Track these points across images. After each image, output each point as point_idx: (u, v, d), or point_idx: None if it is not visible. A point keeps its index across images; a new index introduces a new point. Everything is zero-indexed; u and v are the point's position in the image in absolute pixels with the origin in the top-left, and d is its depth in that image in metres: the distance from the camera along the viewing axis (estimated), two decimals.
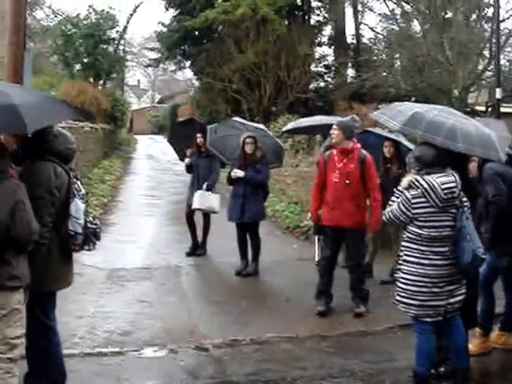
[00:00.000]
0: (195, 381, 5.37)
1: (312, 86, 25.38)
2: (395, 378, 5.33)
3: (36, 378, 4.72)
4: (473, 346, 5.63)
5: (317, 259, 8.22)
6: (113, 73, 37.10)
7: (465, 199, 4.85)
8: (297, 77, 22.67)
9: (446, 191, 4.70)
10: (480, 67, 16.80)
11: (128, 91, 56.26)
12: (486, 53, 16.61)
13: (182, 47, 28.00)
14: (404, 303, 4.88)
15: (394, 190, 7.59)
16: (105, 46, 34.35)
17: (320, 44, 26.15)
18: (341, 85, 20.72)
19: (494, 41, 14.63)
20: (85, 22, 31.77)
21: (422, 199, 4.74)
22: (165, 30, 28.69)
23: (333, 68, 25.63)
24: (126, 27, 35.63)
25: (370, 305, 7.23)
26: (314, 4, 26.44)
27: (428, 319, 4.84)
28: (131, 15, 34.75)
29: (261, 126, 10.09)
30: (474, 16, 16.95)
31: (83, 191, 4.72)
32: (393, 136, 8.42)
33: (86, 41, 32.29)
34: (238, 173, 8.60)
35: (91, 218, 4.67)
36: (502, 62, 16.46)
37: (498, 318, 6.13)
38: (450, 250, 4.76)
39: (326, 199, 7.13)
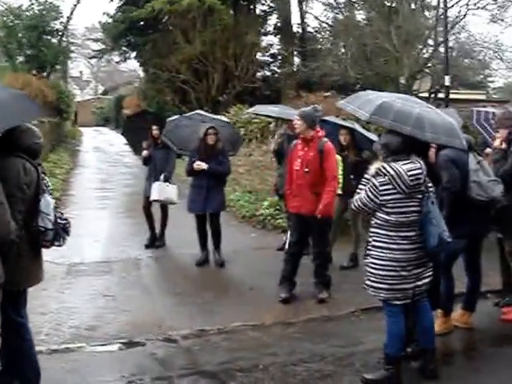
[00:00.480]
0: (168, 372, 5.40)
1: (259, 75, 25.45)
2: (364, 361, 5.48)
3: (10, 377, 4.68)
4: (436, 326, 5.83)
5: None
6: (57, 64, 36.40)
7: (430, 185, 5.01)
8: (244, 66, 22.71)
9: (411, 178, 4.84)
10: (426, 55, 17.17)
11: (71, 83, 55.24)
12: (431, 41, 16.99)
13: (128, 38, 27.68)
14: (373, 287, 5.02)
15: (351, 176, 7.81)
16: (48, 38, 33.66)
17: (266, 33, 26.25)
18: (288, 74, 20.84)
19: (438, 29, 14.95)
20: (27, 13, 31.01)
21: (389, 186, 4.87)
22: (110, 20, 28.31)
23: (279, 57, 25.74)
24: (69, 18, 34.89)
25: (331, 290, 7.37)
26: None
27: (397, 302, 4.98)
28: (75, 6, 33.96)
29: (220, 116, 10.11)
30: (416, 4, 17.28)
31: (51, 186, 4.69)
32: (348, 124, 8.58)
33: (28, 32, 31.54)
34: (202, 165, 8.58)
35: (60, 214, 4.64)
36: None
37: (458, 298, 6.35)
38: (416, 234, 4.91)
39: (290, 187, 7.29)
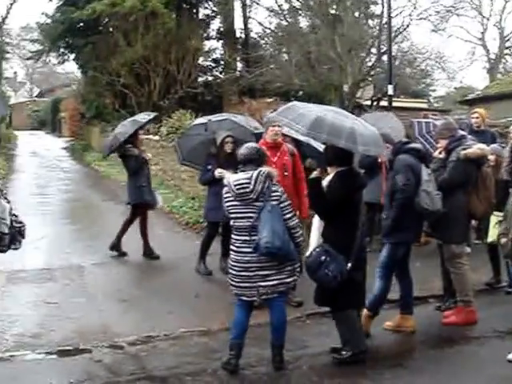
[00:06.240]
0: (117, 378, 5.43)
1: (201, 80, 25.44)
2: (311, 364, 5.65)
3: None
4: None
5: None
6: None
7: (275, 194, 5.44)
8: (186, 71, 22.67)
9: (238, 186, 5.42)
10: (369, 63, 17.52)
11: (4, 84, 53.88)
12: (374, 50, 17.36)
13: (67, 39, 27.18)
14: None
15: None
16: None
17: (208, 38, 26.26)
18: (231, 79, 20.91)
19: (382, 38, 15.28)
20: None
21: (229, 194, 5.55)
22: (48, 21, 27.77)
23: (221, 62, 25.80)
24: (5, 17, 34.19)
25: None
26: None
27: (244, 298, 5.56)
28: (11, 4, 33.35)
29: (224, 115, 9.93)
30: (360, 13, 17.62)
31: (5, 191, 4.65)
32: (293, 134, 8.69)
33: None
34: (224, 173, 8.11)
35: (15, 217, 4.61)
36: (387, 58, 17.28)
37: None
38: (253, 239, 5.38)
39: None
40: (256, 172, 5.40)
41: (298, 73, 16.00)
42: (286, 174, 7.26)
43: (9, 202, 4.58)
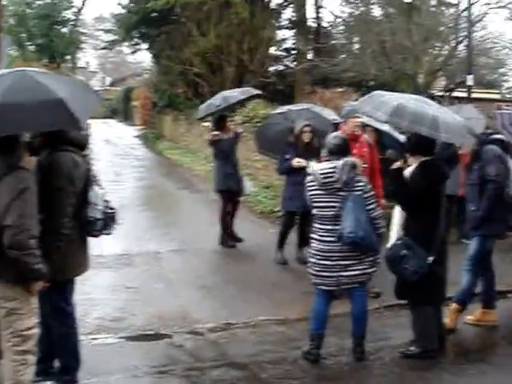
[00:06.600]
0: (199, 363, 5.51)
1: (272, 69, 25.37)
2: (392, 355, 5.63)
3: (48, 364, 4.78)
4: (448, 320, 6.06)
5: None
6: (67, 55, 36.49)
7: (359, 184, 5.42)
8: (259, 60, 22.66)
9: (323, 176, 5.40)
10: (444, 53, 17.16)
11: (78, 73, 55.18)
12: (451, 39, 16.96)
13: (140, 29, 27.62)
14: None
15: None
16: (59, 27, 33.74)
17: (280, 27, 26.14)
18: (303, 69, 20.78)
19: (459, 26, 14.95)
20: (39, 2, 31.07)
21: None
22: (123, 11, 28.27)
23: (293, 52, 25.66)
24: (81, 8, 35.00)
25: None
26: None
27: (323, 287, 5.55)
28: None
29: (304, 105, 9.90)
30: (436, 2, 17.27)
31: (99, 177, 4.78)
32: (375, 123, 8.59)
33: (40, 21, 31.63)
34: (302, 162, 8.17)
35: (108, 203, 4.73)
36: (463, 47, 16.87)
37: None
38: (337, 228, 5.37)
39: None
40: (342, 161, 5.39)
41: (372, 62, 15.81)
42: (365, 165, 7.18)
43: (102, 189, 4.69)
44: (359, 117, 7.15)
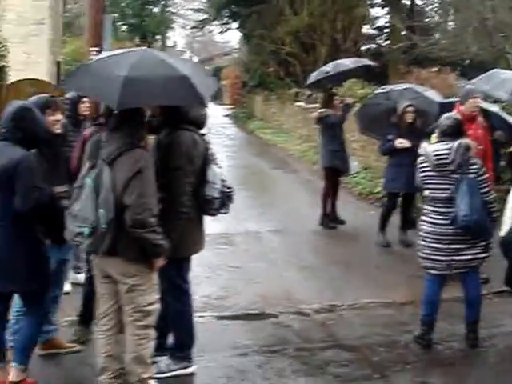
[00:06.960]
0: (308, 344, 5.52)
1: (364, 48, 24.95)
2: (507, 343, 5.54)
3: (162, 341, 4.89)
4: None
5: None
6: (158, 34, 37.04)
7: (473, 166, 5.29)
8: (352, 39, 22.34)
9: (437, 157, 5.30)
10: None
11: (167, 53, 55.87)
12: None
13: (231, 8, 27.73)
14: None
15: None
16: (151, 7, 34.27)
17: (373, 5, 25.66)
18: (400, 48, 20.28)
19: None
20: None
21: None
22: None
23: (385, 30, 25.18)
24: None
25: None
26: None
27: (433, 271, 5.43)
28: None
29: (407, 84, 9.63)
30: None
31: (217, 156, 4.83)
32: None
33: (132, 1, 32.22)
34: (405, 143, 8.16)
35: (225, 182, 4.77)
36: None
37: None
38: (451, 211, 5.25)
39: None
40: (456, 143, 5.26)
41: (473, 41, 15.28)
42: (479, 147, 6.97)
43: (220, 168, 4.74)
44: (479, 96, 6.91)
